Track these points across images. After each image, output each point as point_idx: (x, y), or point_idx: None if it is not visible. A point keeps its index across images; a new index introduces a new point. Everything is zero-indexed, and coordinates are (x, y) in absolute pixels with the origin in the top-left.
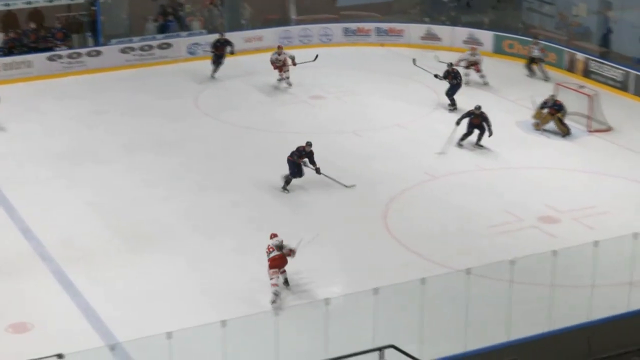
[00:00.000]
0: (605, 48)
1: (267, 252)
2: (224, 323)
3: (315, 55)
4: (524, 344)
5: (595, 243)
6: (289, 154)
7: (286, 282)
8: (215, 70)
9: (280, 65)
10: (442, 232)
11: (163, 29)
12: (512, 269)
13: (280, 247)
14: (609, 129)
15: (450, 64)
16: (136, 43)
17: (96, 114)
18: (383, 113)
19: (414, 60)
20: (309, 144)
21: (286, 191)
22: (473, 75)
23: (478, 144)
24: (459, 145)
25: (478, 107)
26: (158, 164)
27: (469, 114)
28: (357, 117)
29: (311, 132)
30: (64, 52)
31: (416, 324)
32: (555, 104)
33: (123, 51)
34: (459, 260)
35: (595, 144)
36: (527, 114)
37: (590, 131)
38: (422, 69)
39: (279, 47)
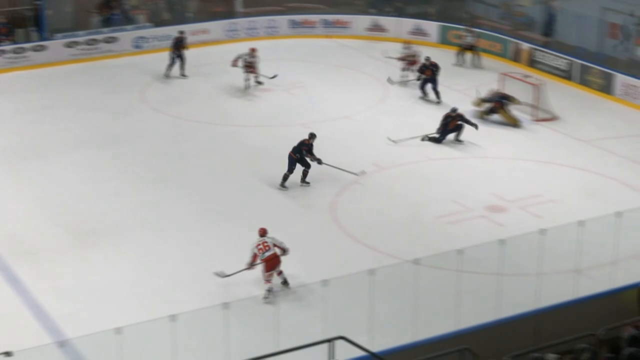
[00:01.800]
0: (549, 38)
1: (259, 249)
2: (173, 317)
3: (274, 74)
4: (473, 332)
5: (542, 231)
6: (290, 149)
7: (285, 282)
8: (172, 68)
9: (249, 65)
10: (391, 223)
11: (108, 23)
12: (460, 259)
13: (274, 245)
14: (554, 118)
15: (428, 58)
16: (81, 37)
17: (42, 109)
18: (330, 105)
19: (389, 78)
20: (313, 136)
21: (285, 188)
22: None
23: (458, 139)
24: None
25: (454, 110)
26: (105, 159)
27: (446, 118)
28: (305, 109)
29: (259, 124)
30: (8, 47)
31: (365, 315)
32: (500, 97)
33: (68, 45)
34: (408, 251)
35: (541, 133)
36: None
37: (535, 120)
38: (399, 82)
39: (252, 50)
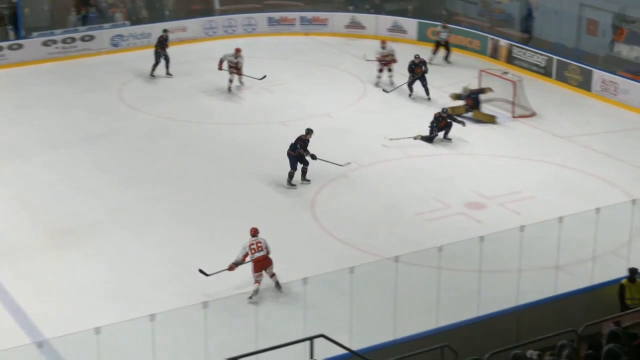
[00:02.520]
0: (527, 34)
1: (252, 249)
2: (152, 317)
3: (263, 76)
4: (454, 330)
5: (522, 228)
6: (288, 148)
7: (278, 285)
8: (157, 68)
9: (234, 66)
10: (370, 220)
11: (86, 21)
12: (440, 256)
13: (266, 246)
14: (533, 115)
15: (417, 56)
16: (59, 36)
17: (19, 108)
18: (310, 103)
19: (384, 90)
20: (310, 132)
21: (293, 186)
22: (385, 77)
23: (446, 138)
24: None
25: (445, 110)
26: (83, 158)
27: (437, 119)
28: (284, 107)
29: (238, 122)
30: None
31: (346, 313)
32: (472, 93)
33: (45, 44)
34: (388, 249)
35: (519, 130)
36: (450, 101)
37: (514, 117)
38: (396, 87)
39: (238, 50)
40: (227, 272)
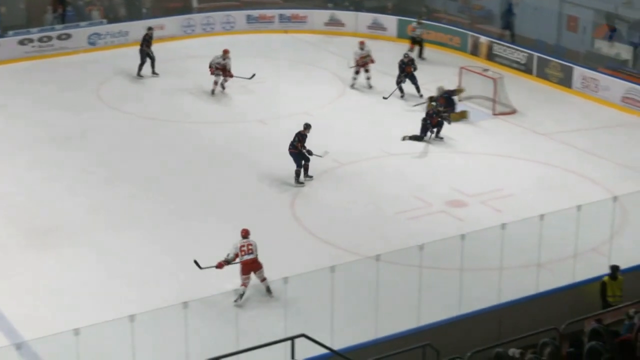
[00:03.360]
0: (508, 31)
1: (241, 251)
2: (132, 317)
3: (252, 74)
4: (435, 328)
5: (503, 225)
6: (289, 146)
7: (269, 290)
8: (143, 67)
9: (221, 67)
10: (351, 218)
11: (62, 20)
12: (421, 254)
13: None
14: (513, 112)
15: (407, 55)
16: (35, 34)
17: None
18: (289, 100)
19: (383, 97)
20: (308, 126)
21: (301, 184)
22: (362, 78)
23: (438, 137)
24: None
25: (438, 105)
26: (61, 157)
27: (430, 116)
28: (263, 105)
29: (216, 121)
30: None
31: (327, 313)
32: (445, 93)
33: (21, 43)
34: (368, 247)
35: (500, 127)
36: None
37: (495, 114)
38: (393, 91)
39: (225, 52)
40: (215, 269)
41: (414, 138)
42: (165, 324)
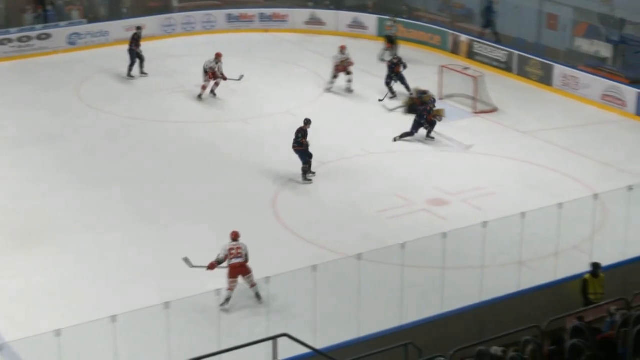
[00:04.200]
0: (489, 29)
1: (230, 253)
2: (113, 318)
3: (240, 76)
4: (417, 327)
5: (484, 224)
6: (292, 144)
7: (258, 296)
8: (133, 68)
9: (213, 72)
10: (332, 218)
11: (41, 19)
12: (402, 253)
13: (246, 254)
14: (494, 110)
15: (395, 55)
16: (14, 34)
17: None
18: (270, 100)
19: (379, 100)
20: (308, 122)
21: (309, 181)
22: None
23: (429, 137)
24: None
25: (433, 101)
26: (42, 158)
27: (424, 113)
28: (244, 105)
29: (198, 121)
30: None
31: (309, 312)
32: (420, 94)
33: (1, 43)
34: (350, 246)
35: (480, 125)
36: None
37: (475, 112)
38: (387, 95)
39: (218, 55)
40: (205, 270)
41: (404, 136)
42: (147, 324)
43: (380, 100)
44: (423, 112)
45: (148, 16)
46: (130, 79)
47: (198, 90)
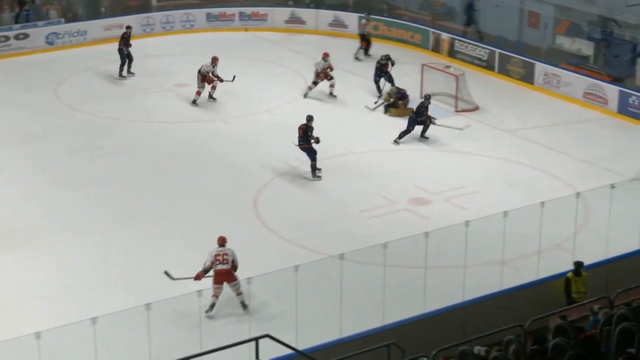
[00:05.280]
0: (469, 27)
1: (215, 259)
2: (94, 320)
3: (233, 76)
4: (400, 327)
5: (467, 223)
6: (297, 143)
7: (243, 305)
8: (124, 67)
9: (209, 76)
10: (314, 218)
11: (19, 19)
12: (385, 253)
13: (232, 260)
14: (475, 108)
15: (383, 56)
16: None
17: None
18: (250, 99)
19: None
20: (311, 118)
21: (319, 177)
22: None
23: (424, 136)
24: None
25: (428, 97)
26: (19, 159)
27: (425, 107)
28: (224, 105)
29: (178, 121)
30: None
31: (291, 313)
32: (398, 93)
33: None
34: (332, 246)
35: (462, 124)
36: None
37: (457, 111)
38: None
39: (214, 59)
40: (192, 280)
41: (403, 135)
42: (128, 326)
43: (369, 108)
44: (421, 109)
45: (127, 15)
46: (122, 79)
47: (177, 90)
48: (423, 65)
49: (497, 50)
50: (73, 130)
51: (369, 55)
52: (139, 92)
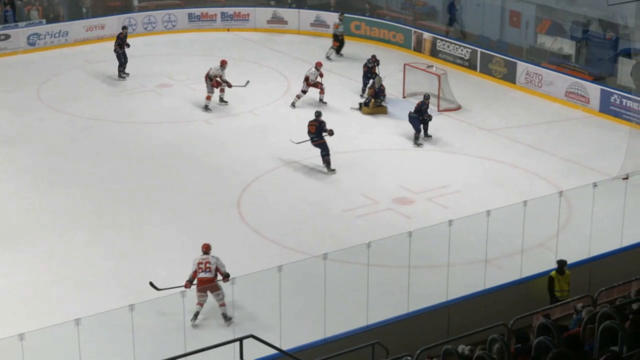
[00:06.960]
0: (451, 27)
1: (198, 267)
2: (77, 321)
3: (246, 82)
4: (384, 326)
5: (450, 222)
6: (309, 140)
7: (225, 316)
8: (123, 67)
9: (218, 80)
10: (298, 217)
11: (0, 20)
12: (368, 252)
13: (216, 268)
14: (458, 108)
15: (370, 59)
16: None
17: None
18: (233, 99)
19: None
20: (320, 114)
21: (333, 171)
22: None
23: (427, 135)
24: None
25: (427, 97)
26: (1, 159)
27: (427, 106)
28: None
29: (161, 121)
30: None
31: (275, 313)
32: (379, 89)
33: None
34: (316, 246)
35: (445, 123)
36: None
37: (439, 111)
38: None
39: (223, 62)
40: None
41: (417, 137)
42: (112, 327)
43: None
44: (423, 107)
45: (108, 16)
46: (122, 80)
47: (159, 91)
48: (405, 65)
49: (479, 50)
50: (55, 131)
51: (341, 55)
52: (122, 93)
